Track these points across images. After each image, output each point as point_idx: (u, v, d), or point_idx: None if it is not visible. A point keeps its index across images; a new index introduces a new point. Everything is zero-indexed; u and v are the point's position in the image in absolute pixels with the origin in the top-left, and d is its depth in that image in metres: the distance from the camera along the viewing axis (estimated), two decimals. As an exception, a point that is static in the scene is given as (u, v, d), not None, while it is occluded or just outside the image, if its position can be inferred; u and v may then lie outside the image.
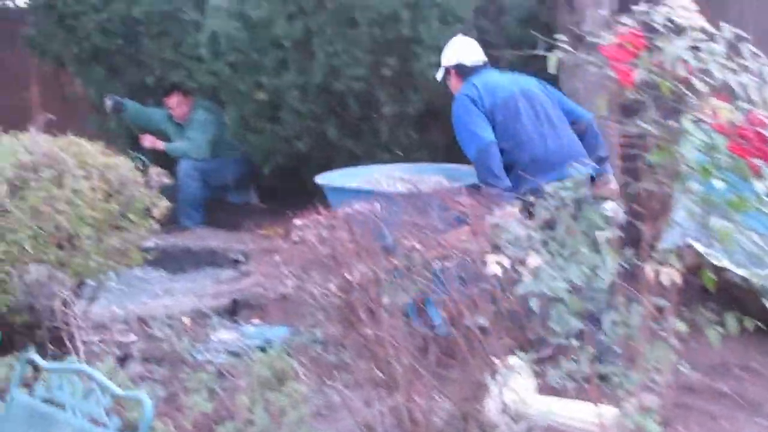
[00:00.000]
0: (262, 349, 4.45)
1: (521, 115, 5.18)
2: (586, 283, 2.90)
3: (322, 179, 5.93)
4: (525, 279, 2.96)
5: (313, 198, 8.47)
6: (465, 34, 6.40)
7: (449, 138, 7.22)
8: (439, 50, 6.27)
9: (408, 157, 7.15)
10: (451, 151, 7.17)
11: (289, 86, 7.30)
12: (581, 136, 5.25)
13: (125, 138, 9.29)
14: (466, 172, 5.68)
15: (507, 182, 4.99)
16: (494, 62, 5.56)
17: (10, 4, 11.37)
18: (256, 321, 5.77)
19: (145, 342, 5.40)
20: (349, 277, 3.45)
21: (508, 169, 5.05)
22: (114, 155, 5.19)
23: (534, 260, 2.98)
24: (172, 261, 7.48)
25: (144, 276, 7.81)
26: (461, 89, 5.36)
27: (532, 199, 3.27)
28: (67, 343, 4.34)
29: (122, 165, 5.13)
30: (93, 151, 5.12)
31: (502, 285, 3.20)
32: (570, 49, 2.88)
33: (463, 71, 5.44)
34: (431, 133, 7.24)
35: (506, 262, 3.04)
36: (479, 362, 3.26)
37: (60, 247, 4.64)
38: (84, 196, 4.73)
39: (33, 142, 4.98)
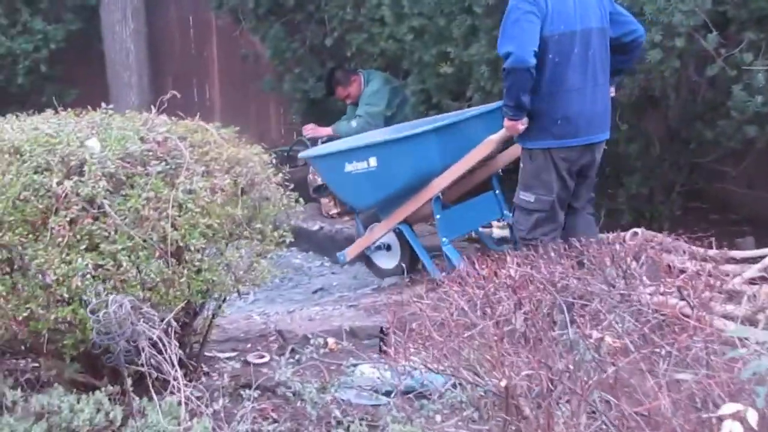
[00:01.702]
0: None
1: (573, 63, 4.80)
2: None
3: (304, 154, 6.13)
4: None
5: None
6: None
7: (666, 130, 6.01)
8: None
9: (616, 150, 5.93)
10: (664, 145, 5.95)
11: (478, 60, 6.17)
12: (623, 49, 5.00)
13: (302, 102, 8.47)
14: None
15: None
16: None
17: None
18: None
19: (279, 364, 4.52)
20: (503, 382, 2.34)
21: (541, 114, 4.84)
22: (246, 146, 4.24)
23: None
24: (335, 249, 6.56)
25: (302, 263, 6.99)
26: None
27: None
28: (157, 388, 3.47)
29: (254, 158, 4.17)
30: (220, 139, 4.18)
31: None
32: None
33: None
34: (645, 125, 5.98)
35: None
36: None
37: (166, 261, 3.72)
38: (199, 198, 3.79)
39: (149, 127, 4.09)
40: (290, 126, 9.34)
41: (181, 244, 3.74)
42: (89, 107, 4.27)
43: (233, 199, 3.98)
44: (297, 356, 4.60)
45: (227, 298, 4.26)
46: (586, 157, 5.02)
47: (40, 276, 3.56)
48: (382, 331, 4.66)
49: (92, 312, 3.26)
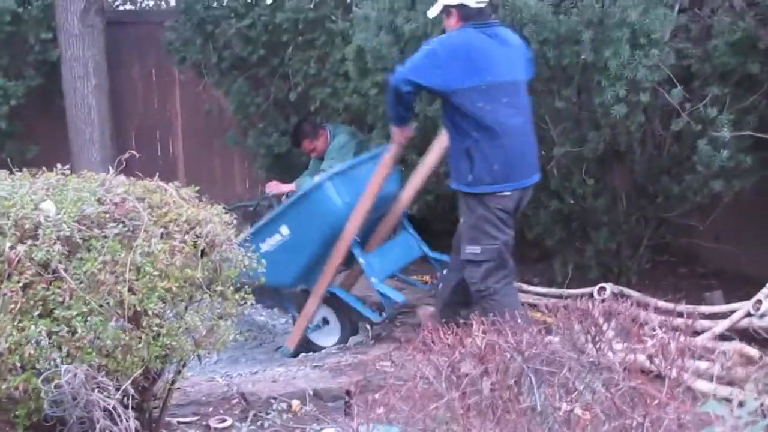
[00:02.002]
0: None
1: (504, 108, 4.94)
2: None
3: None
4: None
5: None
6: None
7: (632, 184, 5.97)
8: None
9: (582, 205, 5.90)
10: (631, 200, 5.91)
11: (442, 115, 6.12)
12: None
13: (266, 157, 8.40)
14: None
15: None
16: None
17: (151, 4, 10.70)
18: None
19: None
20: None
21: (478, 159, 4.95)
22: (206, 206, 4.14)
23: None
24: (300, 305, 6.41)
25: (266, 320, 6.86)
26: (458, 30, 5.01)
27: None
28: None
29: (215, 219, 4.07)
30: (180, 200, 4.08)
31: None
32: None
33: (466, 15, 5.00)
34: (611, 179, 5.93)
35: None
36: None
37: (122, 327, 3.59)
38: (157, 261, 3.68)
39: (106, 188, 3.99)
40: (255, 180, 9.25)
41: (138, 309, 3.63)
42: (44, 168, 4.14)
43: (193, 261, 3.88)
44: (260, 421, 4.48)
45: (187, 362, 4.14)
46: (521, 201, 5.16)
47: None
48: (348, 393, 4.55)
49: (45, 382, 3.12)
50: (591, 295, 5.86)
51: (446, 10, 5.07)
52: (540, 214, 6.15)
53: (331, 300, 5.92)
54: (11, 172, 4.17)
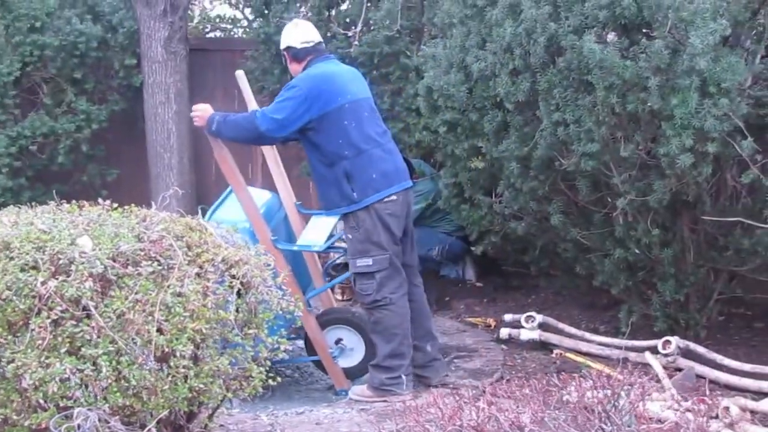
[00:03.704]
0: None
1: (367, 124, 5.40)
2: None
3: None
4: None
5: (537, 281, 7.34)
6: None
7: (702, 235, 5.74)
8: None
9: (648, 254, 5.68)
10: (700, 251, 5.67)
11: (508, 156, 6.02)
12: None
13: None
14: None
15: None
16: None
17: (235, 33, 10.80)
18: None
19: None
20: None
21: (356, 175, 5.29)
22: (244, 247, 4.10)
23: None
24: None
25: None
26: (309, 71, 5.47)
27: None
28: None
29: (252, 260, 4.03)
30: (218, 239, 4.06)
31: None
32: None
33: (297, 55, 5.55)
34: (679, 229, 5.70)
35: None
36: None
37: (149, 368, 3.57)
38: (189, 301, 3.65)
39: (146, 225, 3.98)
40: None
41: (167, 350, 3.61)
42: (96, 201, 4.16)
43: (228, 302, 3.85)
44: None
45: (221, 404, 4.09)
46: (406, 211, 5.47)
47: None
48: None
49: (59, 423, 3.11)
50: (655, 348, 5.65)
51: (283, 56, 5.71)
52: (605, 261, 5.96)
53: (334, 318, 5.90)
54: (58, 205, 4.20)
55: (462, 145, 6.52)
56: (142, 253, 3.78)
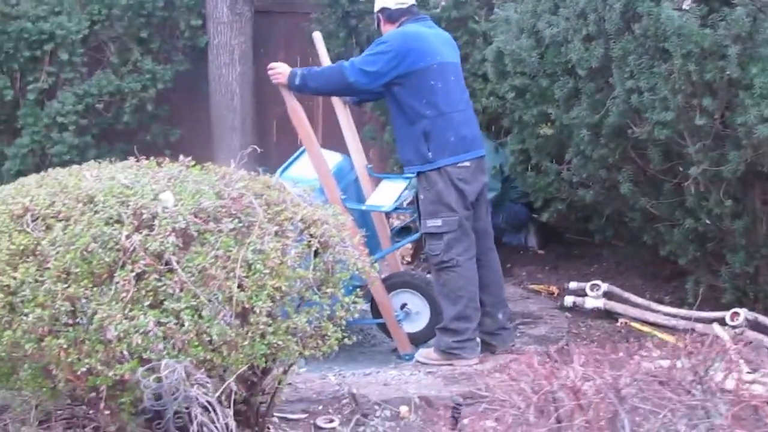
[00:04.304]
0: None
1: (453, 89, 5.46)
2: None
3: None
4: None
5: (600, 249, 7.31)
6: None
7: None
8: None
9: (719, 225, 5.62)
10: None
11: (579, 123, 5.97)
12: None
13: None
14: None
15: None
16: None
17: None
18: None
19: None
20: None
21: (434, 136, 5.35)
22: (321, 206, 4.12)
23: None
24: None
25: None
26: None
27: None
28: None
29: (330, 219, 4.05)
30: (297, 198, 4.08)
31: None
32: None
33: (391, 16, 5.59)
34: (752, 201, 5.63)
35: None
36: None
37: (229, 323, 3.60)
38: (269, 259, 3.68)
39: (226, 182, 4.01)
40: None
41: (247, 306, 3.64)
42: (175, 156, 4.20)
43: (305, 261, 3.87)
44: (363, 427, 4.45)
45: (296, 361, 4.13)
46: (479, 178, 5.51)
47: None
48: (456, 405, 4.46)
49: (149, 372, 3.16)
50: (723, 320, 5.62)
51: (378, 19, 5.73)
52: (674, 231, 5.91)
53: (400, 282, 5.92)
54: (147, 158, 4.24)
55: (531, 111, 6.49)
56: (223, 210, 3.80)
